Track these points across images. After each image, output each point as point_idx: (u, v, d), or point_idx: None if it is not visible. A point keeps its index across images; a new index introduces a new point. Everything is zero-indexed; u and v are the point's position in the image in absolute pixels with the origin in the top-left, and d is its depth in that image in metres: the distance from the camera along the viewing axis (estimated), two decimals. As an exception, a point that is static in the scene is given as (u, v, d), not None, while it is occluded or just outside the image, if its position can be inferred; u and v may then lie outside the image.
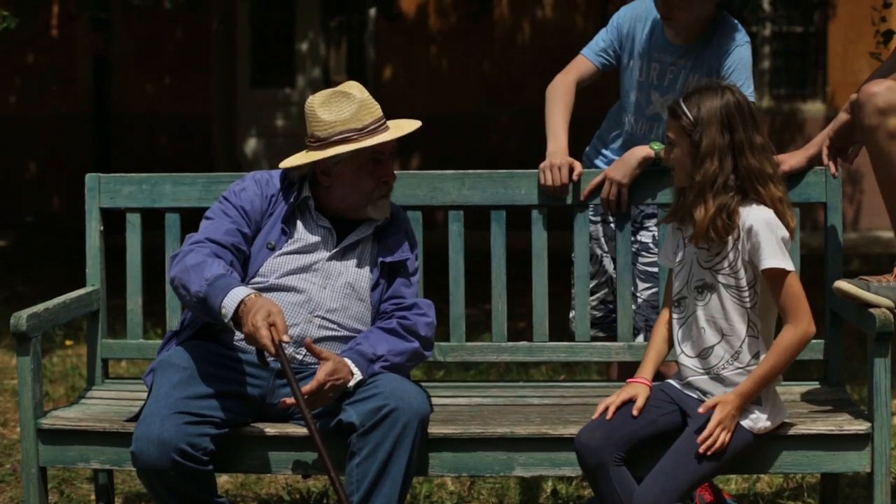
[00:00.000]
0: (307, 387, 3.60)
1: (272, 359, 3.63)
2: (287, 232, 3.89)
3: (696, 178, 3.58)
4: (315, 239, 3.89)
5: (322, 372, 3.62)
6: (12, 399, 6.31)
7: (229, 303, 3.58)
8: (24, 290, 9.97)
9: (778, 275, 3.56)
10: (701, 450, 3.51)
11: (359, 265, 3.91)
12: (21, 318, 3.78)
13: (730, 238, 3.59)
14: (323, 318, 3.84)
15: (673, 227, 3.79)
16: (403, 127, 3.91)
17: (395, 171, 3.99)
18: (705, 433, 3.52)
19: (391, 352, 3.79)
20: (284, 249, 3.87)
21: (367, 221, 3.94)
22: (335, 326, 3.85)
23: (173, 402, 3.59)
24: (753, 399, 3.57)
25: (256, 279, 3.85)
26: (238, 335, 3.75)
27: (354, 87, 3.88)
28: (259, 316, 3.52)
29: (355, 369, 3.69)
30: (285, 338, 3.52)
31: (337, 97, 3.84)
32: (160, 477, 3.56)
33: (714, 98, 3.60)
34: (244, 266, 3.87)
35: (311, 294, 3.84)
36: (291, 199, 3.90)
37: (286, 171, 3.95)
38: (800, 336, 3.58)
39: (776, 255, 3.55)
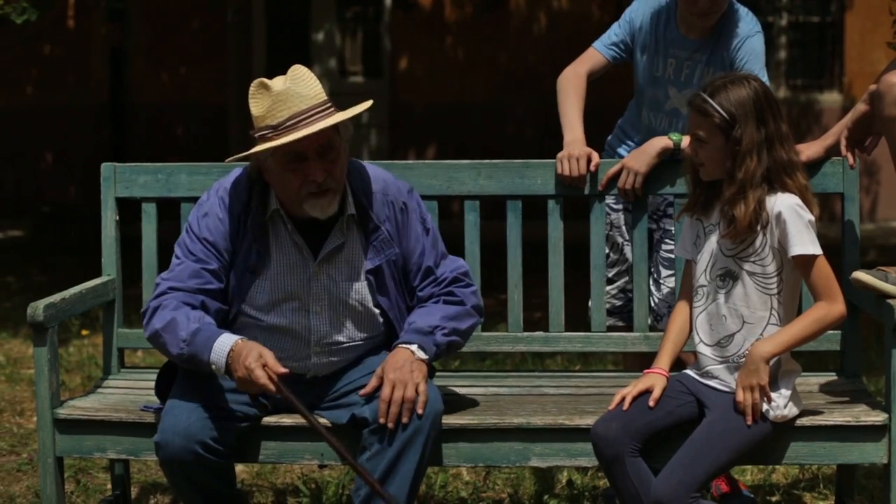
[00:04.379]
0: (381, 407, 3.51)
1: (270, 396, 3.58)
2: (262, 252, 3.70)
3: (737, 176, 3.56)
4: (291, 259, 3.71)
5: (387, 380, 3.52)
6: (29, 389, 6.33)
7: (217, 357, 3.49)
8: (40, 280, 10.00)
9: (808, 260, 3.57)
10: (748, 420, 3.52)
11: (349, 278, 3.74)
12: (38, 308, 3.79)
13: (757, 226, 3.59)
14: (327, 344, 3.75)
15: (692, 217, 3.78)
16: (332, 119, 3.57)
17: (412, 161, 3.93)
18: (741, 402, 3.54)
19: (445, 317, 3.69)
20: (264, 276, 3.70)
21: (337, 227, 3.72)
22: (343, 345, 3.77)
23: (201, 394, 3.59)
24: (772, 358, 3.56)
25: (251, 311, 3.72)
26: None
27: (281, 79, 3.62)
28: (251, 358, 3.43)
29: (409, 345, 3.60)
30: (280, 370, 3.44)
31: (259, 90, 3.60)
32: (182, 468, 3.57)
33: (741, 90, 3.58)
34: (224, 294, 3.71)
35: (308, 325, 3.71)
36: (259, 213, 3.70)
37: (246, 170, 3.76)
38: (835, 314, 3.59)
39: (805, 241, 3.55)
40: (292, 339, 3.74)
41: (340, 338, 3.76)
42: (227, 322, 3.72)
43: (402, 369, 3.55)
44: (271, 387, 3.43)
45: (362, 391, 3.60)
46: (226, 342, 3.49)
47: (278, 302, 3.72)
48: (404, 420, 3.51)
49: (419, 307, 3.79)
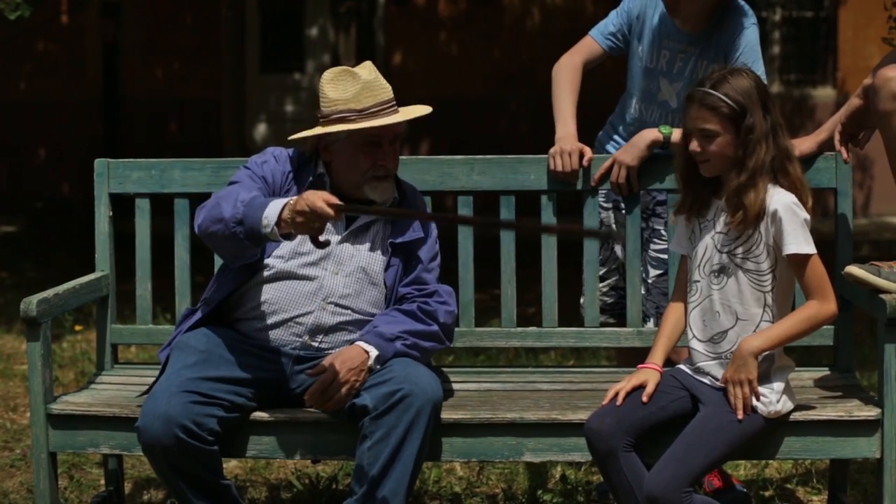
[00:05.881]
0: (316, 385, 3.63)
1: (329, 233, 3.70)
2: None
3: (748, 164, 3.56)
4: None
5: (335, 365, 3.64)
6: (22, 384, 6.32)
7: (271, 211, 3.54)
8: (33, 276, 9.99)
9: (802, 259, 3.57)
10: (738, 415, 3.53)
11: (371, 248, 3.90)
12: (31, 303, 3.78)
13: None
14: (336, 304, 3.83)
15: (686, 218, 3.78)
16: (407, 113, 3.89)
17: (405, 157, 3.97)
18: (732, 399, 3.55)
19: (409, 331, 3.78)
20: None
21: (375, 206, 3.92)
22: (349, 311, 3.84)
23: (183, 381, 3.61)
24: (759, 354, 3.56)
25: (270, 260, 3.85)
26: (260, 322, 3.82)
27: (366, 69, 3.89)
28: (308, 194, 3.49)
29: (367, 346, 3.70)
30: (335, 199, 3.49)
31: (344, 76, 3.86)
32: (164, 454, 3.57)
33: (743, 80, 3.60)
34: None
35: (322, 281, 3.83)
36: (308, 178, 3.90)
37: (302, 150, 3.97)
38: (826, 313, 3.60)
39: (799, 240, 3.56)
40: (304, 288, 3.83)
41: (347, 302, 3.84)
42: (249, 269, 3.85)
43: (351, 370, 3.66)
44: (333, 212, 3.47)
45: (310, 371, 3.73)
46: (282, 200, 3.58)
47: (301, 254, 3.84)
48: (322, 407, 3.68)
49: (383, 314, 3.86)
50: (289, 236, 3.57)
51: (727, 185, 3.63)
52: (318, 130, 3.85)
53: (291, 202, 3.52)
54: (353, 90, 3.82)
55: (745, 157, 3.57)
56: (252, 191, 3.75)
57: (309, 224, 3.49)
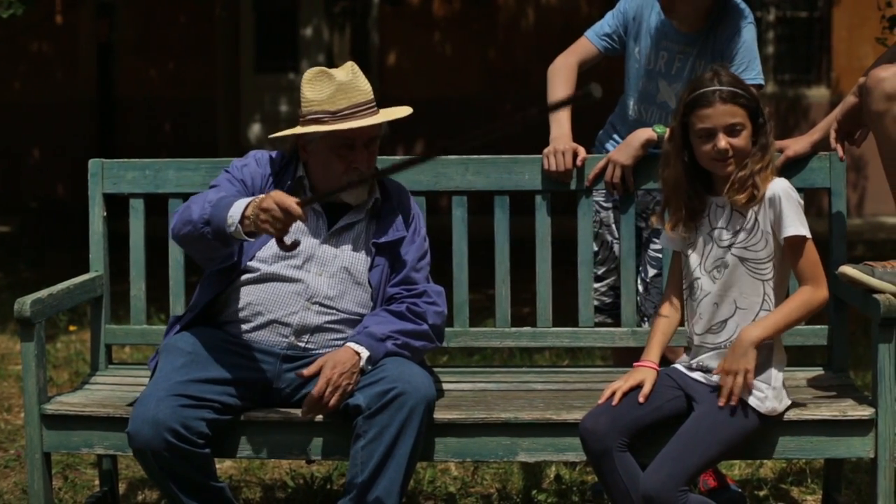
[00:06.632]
0: (310, 396, 3.65)
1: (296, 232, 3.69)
2: None
3: (770, 150, 3.64)
4: (307, 222, 3.85)
5: (324, 373, 3.64)
6: (16, 384, 6.32)
7: (236, 210, 3.55)
8: (27, 276, 9.99)
9: (799, 242, 3.60)
10: (721, 402, 3.54)
11: (354, 248, 3.89)
12: (25, 303, 3.78)
13: (751, 211, 3.62)
14: (321, 304, 3.82)
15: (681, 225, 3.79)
16: (382, 116, 3.86)
17: (399, 157, 3.95)
18: (723, 390, 3.56)
19: (400, 331, 3.78)
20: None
21: (357, 207, 3.92)
22: (334, 311, 3.84)
23: (172, 384, 3.61)
24: (760, 343, 3.57)
25: (253, 263, 3.85)
26: (246, 324, 3.82)
27: (343, 70, 3.86)
28: (274, 193, 3.51)
29: (358, 347, 3.70)
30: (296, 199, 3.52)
31: (321, 76, 3.84)
32: (156, 458, 3.57)
33: (732, 74, 3.68)
34: (240, 247, 3.85)
35: (307, 282, 3.82)
36: (288, 181, 3.89)
37: (284, 151, 3.97)
38: (819, 298, 3.63)
39: (797, 223, 3.59)
40: (288, 290, 3.82)
41: (332, 302, 3.83)
42: (231, 272, 3.85)
43: (343, 374, 3.66)
44: (299, 210, 3.47)
45: (304, 371, 3.72)
46: (247, 199, 3.60)
47: (284, 257, 3.83)
48: (317, 417, 3.70)
49: (373, 315, 3.86)
50: (252, 234, 3.57)
51: (741, 174, 3.62)
52: (295, 130, 3.86)
53: (257, 200, 3.54)
54: (328, 91, 3.80)
55: (767, 144, 3.63)
56: (222, 192, 3.76)
57: (273, 224, 3.49)
